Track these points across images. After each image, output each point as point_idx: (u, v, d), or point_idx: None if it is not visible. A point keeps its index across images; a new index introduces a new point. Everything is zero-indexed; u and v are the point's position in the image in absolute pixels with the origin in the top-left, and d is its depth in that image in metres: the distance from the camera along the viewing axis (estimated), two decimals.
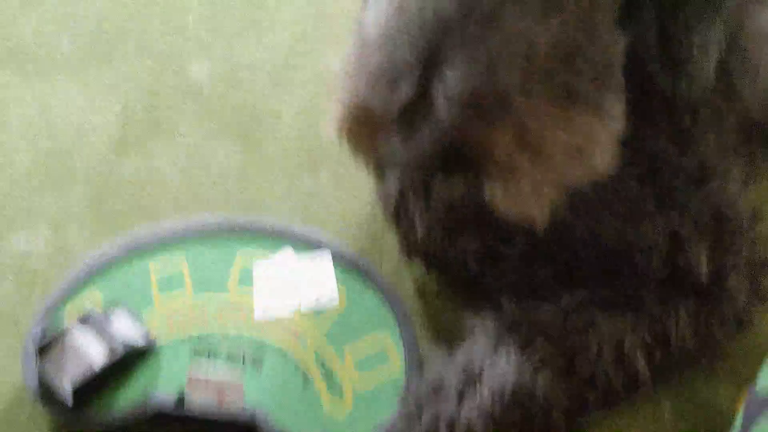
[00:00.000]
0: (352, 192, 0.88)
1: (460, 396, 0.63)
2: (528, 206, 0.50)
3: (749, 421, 0.55)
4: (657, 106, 0.62)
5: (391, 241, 0.81)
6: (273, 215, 0.85)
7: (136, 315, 0.71)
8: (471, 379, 0.64)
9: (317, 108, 0.97)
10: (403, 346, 0.71)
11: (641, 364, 0.67)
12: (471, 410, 0.62)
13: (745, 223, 0.71)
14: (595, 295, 0.69)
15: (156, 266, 0.75)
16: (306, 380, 0.68)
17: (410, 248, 0.77)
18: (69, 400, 0.63)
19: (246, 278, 0.75)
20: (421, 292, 0.80)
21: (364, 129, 0.51)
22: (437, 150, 0.47)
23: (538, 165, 0.48)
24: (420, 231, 0.75)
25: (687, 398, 0.72)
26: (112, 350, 0.65)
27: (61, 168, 0.90)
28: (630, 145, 0.60)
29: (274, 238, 0.78)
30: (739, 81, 0.65)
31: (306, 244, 0.78)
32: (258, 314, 0.72)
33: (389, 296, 0.74)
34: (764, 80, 0.67)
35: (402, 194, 0.76)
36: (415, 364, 0.70)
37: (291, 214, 0.86)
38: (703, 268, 0.66)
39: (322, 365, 0.69)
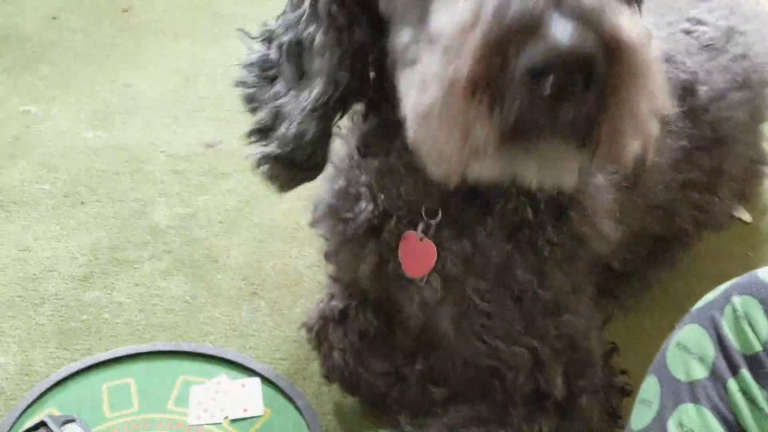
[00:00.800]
0: (284, 321, 1.03)
1: None
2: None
3: (667, 408, 0.60)
4: (526, 240, 0.77)
5: (314, 365, 0.95)
6: (214, 341, 0.99)
7: (86, 429, 0.82)
8: None
9: (261, 248, 1.13)
10: None
11: None
12: None
13: (597, 353, 0.86)
14: (474, 412, 0.82)
15: (108, 385, 0.88)
16: None
17: (329, 371, 0.90)
18: None
19: (184, 399, 0.87)
20: (338, 409, 0.93)
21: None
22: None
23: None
24: (337, 356, 0.89)
25: None
26: None
27: (31, 296, 1.03)
28: (506, 270, 0.76)
29: (212, 363, 0.92)
30: (582, 229, 0.80)
31: (239, 369, 0.92)
32: (191, 419, 0.84)
33: (307, 414, 0.87)
34: (602, 230, 0.83)
35: (322, 322, 0.91)
36: None
37: (230, 340, 0.99)
38: (559, 388, 0.80)
39: None
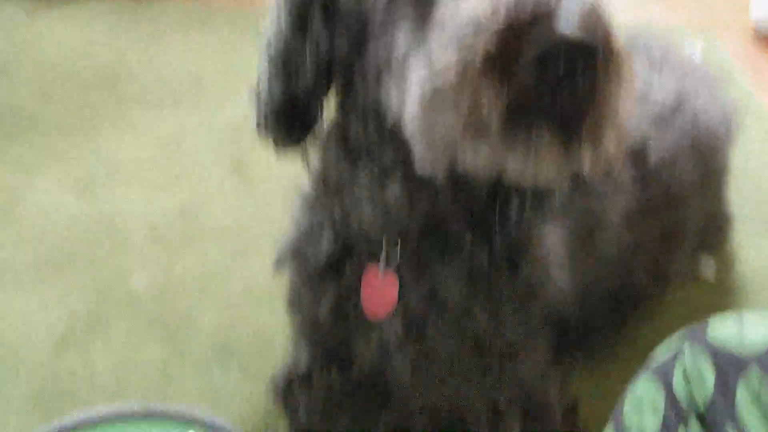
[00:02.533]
0: (255, 382, 1.05)
1: None
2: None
3: None
4: (483, 286, 0.80)
5: (283, 424, 0.97)
6: (187, 402, 1.01)
7: None
8: None
9: (234, 312, 1.17)
10: None
11: None
12: None
13: (555, 401, 0.88)
14: None
15: None
16: None
17: (297, 428, 0.93)
18: None
19: None
20: None
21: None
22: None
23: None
24: (302, 415, 0.91)
25: None
26: None
27: (6, 364, 1.06)
28: (465, 313, 0.79)
29: (182, 422, 0.94)
30: (535, 278, 0.84)
31: (209, 429, 0.93)
32: None
33: None
34: (554, 280, 0.87)
35: (289, 382, 0.93)
36: None
37: (202, 402, 1.01)
38: None
39: None
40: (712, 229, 1.26)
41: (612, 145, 0.58)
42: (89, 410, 0.96)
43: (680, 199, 1.08)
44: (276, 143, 0.76)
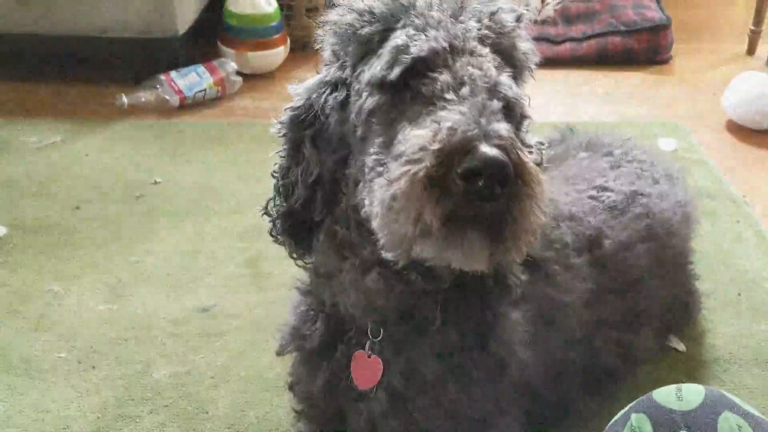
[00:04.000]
0: None
1: None
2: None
3: None
4: (456, 364, 0.93)
5: None
6: None
7: None
8: None
9: (246, 398, 1.29)
10: None
11: None
12: None
13: None
14: None
15: None
16: None
17: None
18: None
19: None
20: None
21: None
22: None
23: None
24: None
25: None
26: None
27: None
28: (440, 389, 0.91)
29: None
30: (502, 356, 0.97)
31: None
32: None
33: None
34: (519, 357, 0.99)
35: None
36: None
37: None
38: None
39: None
40: (678, 308, 1.38)
41: (527, 239, 0.74)
42: None
43: (637, 281, 1.21)
44: (287, 249, 0.94)
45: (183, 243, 1.70)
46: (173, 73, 2.29)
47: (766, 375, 1.35)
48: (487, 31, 0.80)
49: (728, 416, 0.68)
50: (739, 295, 1.56)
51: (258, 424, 1.24)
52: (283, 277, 1.31)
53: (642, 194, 1.28)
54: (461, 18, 0.80)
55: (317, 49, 0.90)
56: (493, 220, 0.72)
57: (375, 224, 0.77)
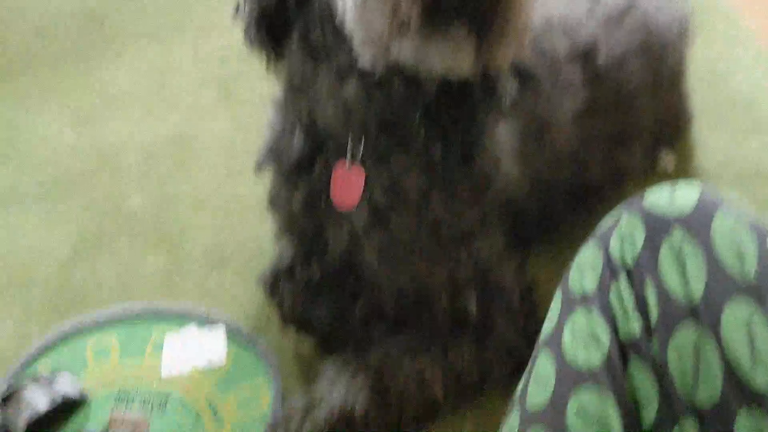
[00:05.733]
0: (249, 285, 1.16)
1: (303, 417, 0.88)
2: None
3: (564, 316, 0.70)
4: (439, 177, 0.89)
5: (275, 319, 1.08)
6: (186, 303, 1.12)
7: (75, 377, 0.96)
8: (312, 405, 0.90)
9: (227, 224, 1.27)
10: (272, 391, 0.97)
11: (438, 391, 0.93)
12: (309, 427, 0.87)
13: (510, 281, 0.98)
14: (407, 341, 0.96)
15: (91, 342, 1.02)
16: (197, 417, 0.94)
17: (284, 317, 1.04)
18: None
19: (158, 348, 1.01)
20: (296, 353, 1.06)
21: None
22: None
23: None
24: (287, 305, 1.02)
25: (486, 418, 0.97)
26: (53, 400, 0.91)
27: (24, 278, 1.17)
28: (423, 203, 0.89)
29: (182, 317, 1.05)
30: (487, 169, 0.94)
31: (207, 321, 1.05)
32: (165, 372, 0.98)
33: (265, 355, 1.01)
34: (505, 171, 0.96)
35: (275, 276, 1.04)
36: (279, 403, 0.95)
37: (201, 303, 1.13)
38: (473, 312, 0.94)
39: (210, 405, 0.95)
40: (670, 125, 1.34)
41: (514, 40, 0.67)
42: (99, 312, 1.08)
43: (631, 98, 1.15)
44: (261, 54, 0.86)
45: (151, 68, 1.60)
46: None
47: (752, 189, 1.33)
48: None
49: (722, 217, 0.65)
50: (729, 112, 1.51)
51: (241, 248, 1.22)
52: (258, 100, 1.23)
53: (639, 3, 1.19)
54: None
55: None
56: (478, 12, 0.65)
57: (348, 23, 0.69)
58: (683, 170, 1.37)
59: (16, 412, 0.89)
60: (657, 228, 0.67)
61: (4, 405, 0.90)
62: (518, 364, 0.97)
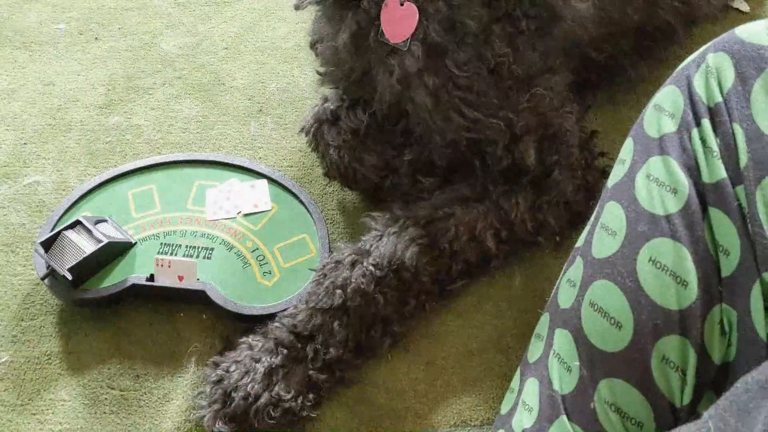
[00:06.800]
0: (289, 134, 1.11)
1: (352, 266, 0.86)
2: None
3: (638, 162, 0.64)
4: (503, 11, 0.82)
5: (318, 170, 1.04)
6: (226, 154, 1.08)
7: (117, 225, 0.94)
8: (361, 255, 0.86)
9: (265, 70, 1.20)
10: (318, 240, 0.94)
11: (491, 242, 0.89)
12: (359, 276, 0.84)
13: (572, 131, 0.91)
14: (457, 192, 0.91)
15: (133, 191, 0.99)
16: (244, 262, 0.92)
17: (328, 169, 0.99)
18: (68, 279, 0.87)
19: (200, 199, 0.98)
20: (340, 203, 1.03)
21: None
22: None
23: None
24: (332, 154, 0.97)
25: (536, 272, 0.95)
26: (98, 241, 0.89)
27: (59, 123, 1.13)
28: (484, 40, 0.81)
29: (224, 169, 1.02)
30: (556, 4, 0.84)
31: (249, 173, 1.01)
32: (209, 216, 0.95)
33: (310, 207, 0.97)
34: (575, 6, 0.86)
35: (318, 124, 0.98)
36: (326, 251, 0.93)
37: (240, 153, 1.09)
38: (532, 162, 0.88)
39: (256, 251, 0.92)
40: None
41: None
42: (139, 160, 1.04)
43: None
44: None
45: None
46: None
47: None
48: None
49: None
50: None
51: (279, 94, 1.16)
52: None
53: None
54: None
55: None
56: None
57: None
58: (761, 14, 1.26)
59: (61, 254, 0.87)
60: (749, 64, 0.60)
61: (48, 253, 0.88)
62: (574, 215, 0.94)
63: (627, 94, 1.13)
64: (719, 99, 0.61)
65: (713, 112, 0.61)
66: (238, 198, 0.98)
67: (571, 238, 0.94)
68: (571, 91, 0.94)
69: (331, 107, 0.97)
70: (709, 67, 0.62)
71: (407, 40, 0.81)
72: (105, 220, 0.94)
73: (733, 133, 0.60)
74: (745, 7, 1.24)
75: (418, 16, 0.80)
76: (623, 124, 1.06)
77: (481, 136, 0.87)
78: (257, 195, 0.99)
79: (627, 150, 0.68)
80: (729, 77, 0.61)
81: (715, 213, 0.60)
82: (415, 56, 0.82)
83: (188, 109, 1.15)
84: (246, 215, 0.97)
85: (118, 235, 0.92)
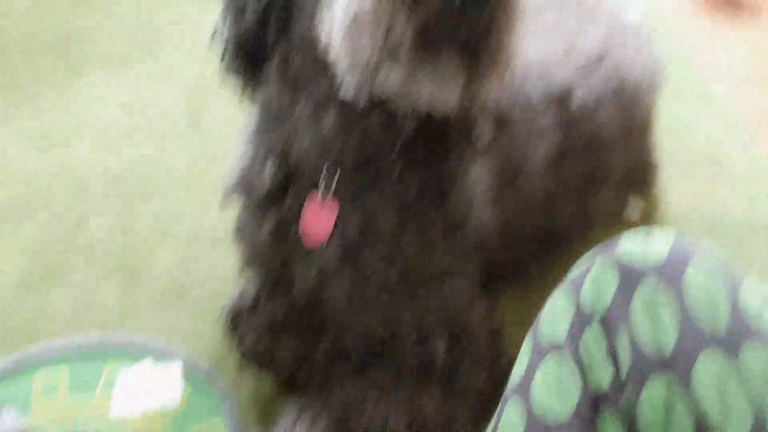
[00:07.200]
0: (209, 319, 1.12)
1: None
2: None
3: (534, 364, 0.69)
4: (412, 217, 0.88)
5: (234, 354, 1.04)
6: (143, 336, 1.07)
7: (19, 413, 0.91)
8: None
9: (189, 254, 1.23)
10: (232, 428, 0.93)
11: None
12: None
13: (479, 327, 0.96)
14: (370, 381, 0.93)
15: (39, 376, 0.96)
16: None
17: (244, 355, 1.00)
18: None
19: (111, 384, 0.96)
20: (256, 391, 1.02)
21: None
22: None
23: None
24: (249, 340, 0.99)
25: None
26: None
27: None
28: (395, 243, 0.87)
29: (138, 351, 1.01)
30: (461, 211, 0.92)
31: (163, 357, 1.01)
32: (114, 413, 0.93)
33: (223, 394, 0.97)
34: (479, 215, 0.95)
35: (237, 310, 1.01)
36: None
37: (158, 335, 1.08)
38: (440, 357, 0.91)
39: None
40: (638, 174, 1.35)
41: (503, 70, 0.67)
42: (49, 343, 1.03)
43: (602, 145, 1.16)
44: (236, 81, 0.84)
45: (119, 92, 1.57)
46: None
47: (718, 239, 1.34)
48: None
49: (695, 268, 0.64)
50: (694, 164, 1.53)
51: (202, 281, 1.19)
52: (227, 129, 1.21)
53: (613, 53, 1.21)
54: None
55: None
56: (470, 39, 0.64)
57: (333, 47, 0.68)
58: (650, 218, 1.39)
59: None
60: (630, 276, 0.66)
61: None
62: (483, 409, 0.96)
63: (534, 285, 1.19)
64: (603, 310, 0.66)
65: (600, 321, 0.67)
66: (148, 387, 0.97)
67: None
68: (480, 285, 1.00)
69: (250, 296, 1.00)
70: (595, 276, 0.68)
71: (324, 242, 0.87)
72: (7, 409, 0.91)
73: (616, 343, 0.65)
74: (636, 216, 1.37)
75: (335, 214, 0.86)
76: (525, 314, 1.10)
77: (393, 332, 0.91)
78: (168, 383, 0.98)
79: (524, 351, 0.72)
80: (612, 288, 0.67)
81: (604, 417, 0.64)
82: (331, 253, 0.88)
83: (108, 293, 1.16)
84: (153, 409, 0.95)
85: (18, 427, 0.88)
